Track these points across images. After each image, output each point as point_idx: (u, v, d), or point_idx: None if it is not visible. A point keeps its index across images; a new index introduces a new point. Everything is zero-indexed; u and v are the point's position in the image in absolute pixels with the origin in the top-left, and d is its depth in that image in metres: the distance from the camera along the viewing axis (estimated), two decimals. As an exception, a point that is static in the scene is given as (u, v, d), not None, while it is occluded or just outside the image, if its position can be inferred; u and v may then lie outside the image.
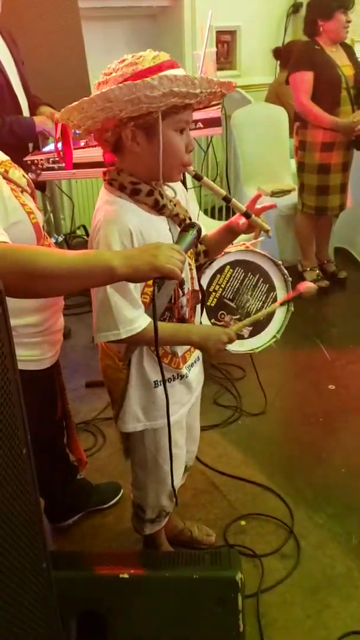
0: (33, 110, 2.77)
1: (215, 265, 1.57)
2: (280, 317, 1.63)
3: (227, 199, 1.53)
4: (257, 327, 1.62)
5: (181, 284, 1.46)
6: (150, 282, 1.29)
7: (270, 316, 1.62)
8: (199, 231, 1.33)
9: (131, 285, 1.31)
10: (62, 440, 1.89)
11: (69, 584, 1.45)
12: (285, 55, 4.59)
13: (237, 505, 2.19)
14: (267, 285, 1.62)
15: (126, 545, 2.00)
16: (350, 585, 1.86)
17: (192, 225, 1.32)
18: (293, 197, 3.86)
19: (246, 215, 1.49)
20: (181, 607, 1.46)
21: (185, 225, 1.34)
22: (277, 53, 4.84)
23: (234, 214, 1.58)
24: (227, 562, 1.53)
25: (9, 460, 0.90)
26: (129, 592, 1.48)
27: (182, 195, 1.52)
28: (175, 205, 1.42)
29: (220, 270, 1.58)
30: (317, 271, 3.85)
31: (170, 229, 1.41)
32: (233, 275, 1.58)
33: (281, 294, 1.63)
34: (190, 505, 2.18)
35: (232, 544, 2.01)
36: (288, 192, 3.96)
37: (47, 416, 1.74)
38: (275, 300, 1.63)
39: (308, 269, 3.80)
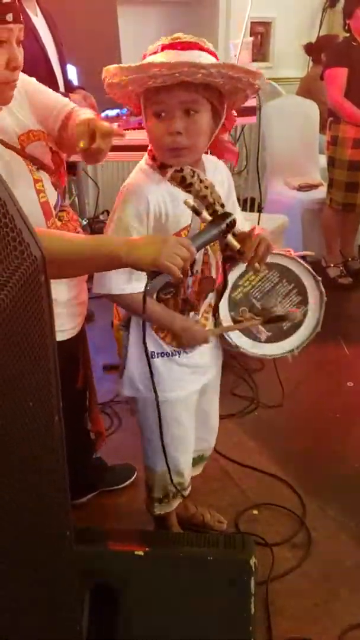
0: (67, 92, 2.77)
1: None
2: (304, 332, 1.58)
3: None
4: (278, 335, 1.58)
5: (191, 264, 1.46)
6: None
7: (296, 327, 1.58)
8: (230, 224, 1.29)
9: None
10: (83, 415, 1.90)
11: (84, 558, 1.47)
12: (316, 51, 4.56)
13: (249, 493, 2.20)
14: (300, 298, 1.56)
15: (138, 526, 2.02)
16: (360, 578, 1.87)
17: (224, 217, 1.28)
18: (321, 192, 3.84)
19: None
20: (194, 587, 1.48)
21: (217, 217, 1.30)
22: (309, 49, 4.80)
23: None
24: (241, 546, 1.55)
25: (42, 426, 0.91)
26: (143, 569, 1.49)
27: (225, 182, 1.53)
28: (206, 187, 1.41)
29: None
30: (341, 268, 3.83)
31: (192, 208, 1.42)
32: (267, 276, 1.54)
33: (313, 311, 1.57)
34: (203, 491, 2.19)
35: (243, 531, 2.02)
36: (315, 187, 3.95)
37: (64, 389, 1.75)
38: (304, 315, 1.57)
39: (332, 265, 3.79)
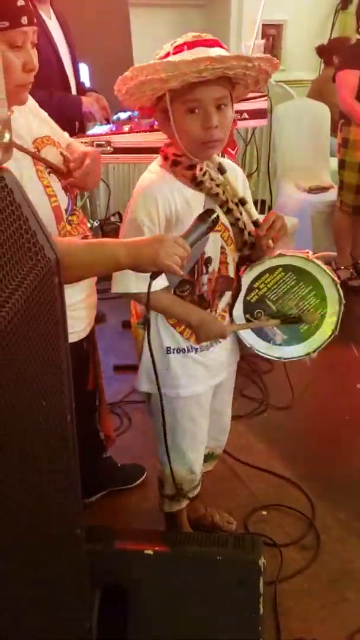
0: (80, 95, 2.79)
1: (267, 264, 1.51)
2: (322, 336, 1.56)
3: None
4: (295, 337, 1.56)
5: (207, 262, 1.48)
6: None
7: (313, 330, 1.56)
8: (215, 221, 1.33)
9: None
10: (93, 415, 1.92)
11: (94, 558, 1.48)
12: (328, 53, 4.55)
13: (258, 495, 2.20)
14: (318, 300, 1.53)
15: (147, 525, 2.03)
16: (369, 581, 1.87)
17: (209, 214, 1.32)
18: (332, 195, 3.84)
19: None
20: (203, 587, 1.48)
21: (201, 214, 1.34)
22: (321, 51, 4.79)
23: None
24: (250, 546, 1.55)
25: (54, 425, 0.93)
26: (152, 569, 1.50)
27: (240, 180, 1.54)
28: (218, 185, 1.43)
29: (271, 270, 1.52)
30: (351, 270, 3.83)
31: (204, 207, 1.43)
32: (283, 279, 1.52)
33: (331, 313, 1.54)
34: (212, 492, 2.20)
35: (252, 532, 2.03)
36: (326, 189, 3.94)
37: (74, 390, 1.76)
38: (323, 317, 1.55)
39: (342, 267, 3.79)
